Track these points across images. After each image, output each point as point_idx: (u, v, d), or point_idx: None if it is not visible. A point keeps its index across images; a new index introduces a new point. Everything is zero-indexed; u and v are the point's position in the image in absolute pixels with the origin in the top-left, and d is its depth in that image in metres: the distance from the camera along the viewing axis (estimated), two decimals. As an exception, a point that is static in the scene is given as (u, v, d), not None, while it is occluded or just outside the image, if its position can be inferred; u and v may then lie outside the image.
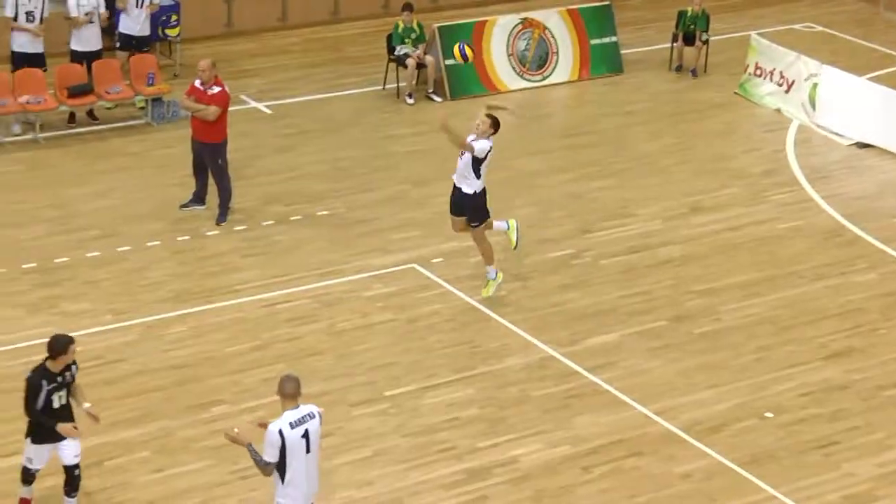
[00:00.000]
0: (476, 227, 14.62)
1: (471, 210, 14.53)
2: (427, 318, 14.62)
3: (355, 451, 12.40)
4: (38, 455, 11.00)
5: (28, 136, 18.39)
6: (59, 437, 10.91)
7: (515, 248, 15.14)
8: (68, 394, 10.92)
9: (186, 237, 16.10)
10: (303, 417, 9.99)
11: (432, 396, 13.32)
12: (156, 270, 15.32)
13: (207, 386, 13.25)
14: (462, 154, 14.40)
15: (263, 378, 13.20)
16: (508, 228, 15.07)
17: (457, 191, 14.59)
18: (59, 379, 10.80)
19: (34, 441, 10.96)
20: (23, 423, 12.12)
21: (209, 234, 16.24)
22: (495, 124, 14.37)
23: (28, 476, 11.14)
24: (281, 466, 9.93)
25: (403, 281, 15.32)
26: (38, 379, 10.72)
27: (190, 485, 11.83)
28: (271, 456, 9.90)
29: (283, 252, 15.89)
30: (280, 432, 9.85)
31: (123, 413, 12.43)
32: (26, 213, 16.40)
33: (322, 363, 13.69)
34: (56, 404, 10.80)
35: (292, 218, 16.69)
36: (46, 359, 10.79)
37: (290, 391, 9.97)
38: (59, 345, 10.74)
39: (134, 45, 19.53)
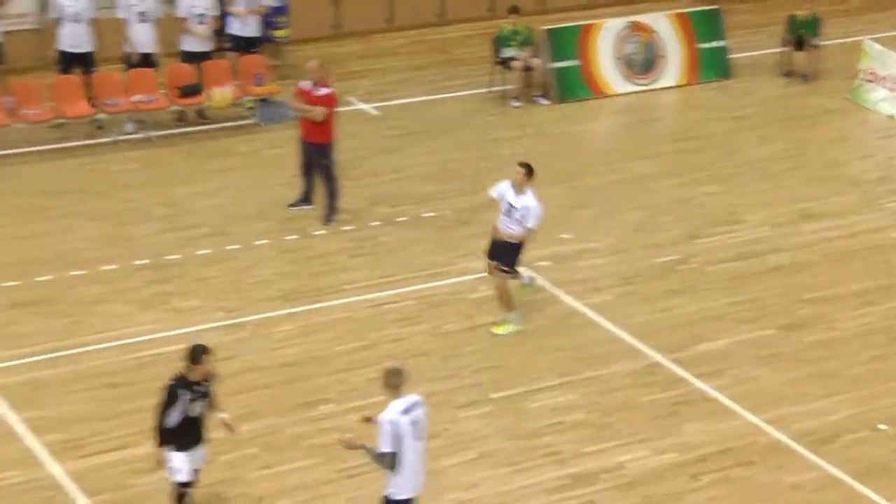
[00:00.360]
0: (506, 273, 14.25)
1: (507, 255, 14.17)
2: (532, 322, 14.56)
3: (461, 452, 12.39)
4: (184, 464, 10.74)
5: (140, 135, 18.68)
6: (194, 444, 10.79)
7: (496, 334, 14.37)
8: (207, 404, 10.82)
9: (294, 236, 16.23)
10: (410, 406, 10.15)
11: (537, 400, 13.27)
12: (264, 269, 15.46)
13: (314, 385, 13.33)
14: (509, 212, 13.96)
15: (369, 378, 13.19)
16: (529, 283, 14.62)
17: (498, 238, 14.18)
18: (200, 389, 10.69)
19: (179, 449, 10.74)
20: (132, 416, 12.45)
21: (316, 233, 16.35)
22: (530, 172, 14.03)
23: (185, 494, 10.83)
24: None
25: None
26: (178, 388, 10.58)
27: (298, 482, 11.90)
28: (388, 446, 10.03)
29: (389, 253, 15.95)
30: (393, 421, 10.01)
31: (233, 409, 12.44)
32: (139, 211, 16.67)
33: (428, 364, 13.69)
34: (194, 414, 10.69)
35: (399, 219, 16.75)
36: (185, 367, 10.67)
37: (396, 382, 10.15)
38: (195, 353, 10.61)
39: (243, 45, 19.74)
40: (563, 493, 11.95)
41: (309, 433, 12.55)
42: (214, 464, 11.90)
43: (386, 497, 10.31)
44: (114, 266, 15.31)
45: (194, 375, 10.64)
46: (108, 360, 13.54)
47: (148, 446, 11.23)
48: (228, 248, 15.87)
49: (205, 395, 10.76)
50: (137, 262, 15.42)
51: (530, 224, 13.99)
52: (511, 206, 14.01)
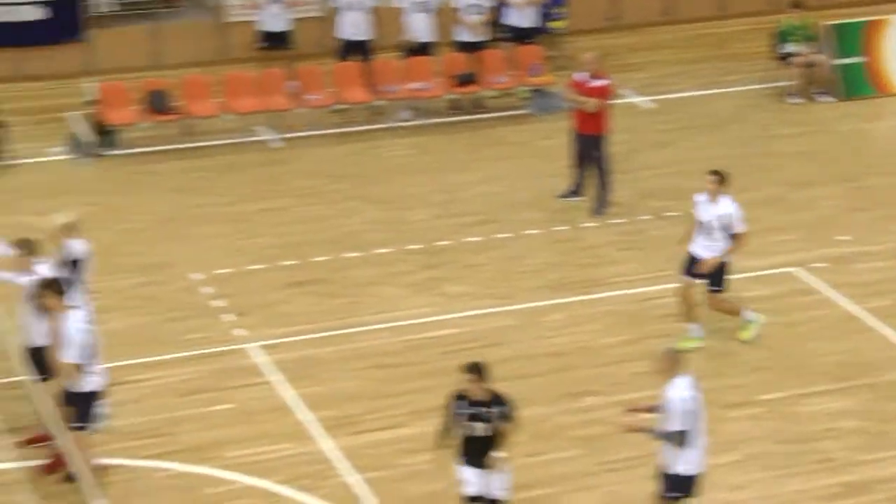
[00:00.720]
0: (715, 292, 13.60)
1: (713, 273, 13.50)
2: (806, 324, 14.15)
3: (727, 453, 12.12)
4: (473, 478, 10.45)
5: (416, 122, 19.07)
6: (483, 462, 10.44)
7: (745, 340, 13.82)
8: (492, 430, 10.34)
9: (564, 227, 16.25)
10: (693, 382, 10.27)
11: (809, 404, 12.89)
12: (533, 258, 15.54)
13: (580, 376, 13.32)
14: (706, 227, 13.35)
15: (635, 372, 13.10)
16: (755, 321, 13.83)
17: (694, 254, 13.60)
18: (479, 409, 10.26)
19: (468, 463, 10.46)
20: (403, 397, 12.77)
21: (586, 225, 16.33)
22: (722, 179, 13.39)
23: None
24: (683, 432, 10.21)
25: (783, 284, 14.89)
26: (453, 399, 10.36)
27: (561, 471, 11.92)
28: (684, 424, 10.15)
29: (658, 247, 15.75)
30: (686, 398, 10.15)
31: (499, 396, 12.67)
32: (415, 197, 17.02)
33: (695, 362, 13.40)
34: (475, 433, 10.33)
35: (669, 213, 16.53)
36: (464, 382, 10.41)
37: (676, 363, 10.31)
38: (467, 370, 10.34)
39: (520, 36, 19.88)
40: (835, 501, 11.56)
41: (574, 424, 12.55)
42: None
43: (675, 475, 10.33)
44: (388, 249, 15.69)
45: (473, 393, 10.34)
46: (379, 341, 13.88)
47: (418, 427, 11.45)
48: (499, 236, 16.03)
49: (485, 418, 10.30)
50: (411, 247, 15.74)
51: (738, 229, 13.44)
52: (707, 222, 13.41)
